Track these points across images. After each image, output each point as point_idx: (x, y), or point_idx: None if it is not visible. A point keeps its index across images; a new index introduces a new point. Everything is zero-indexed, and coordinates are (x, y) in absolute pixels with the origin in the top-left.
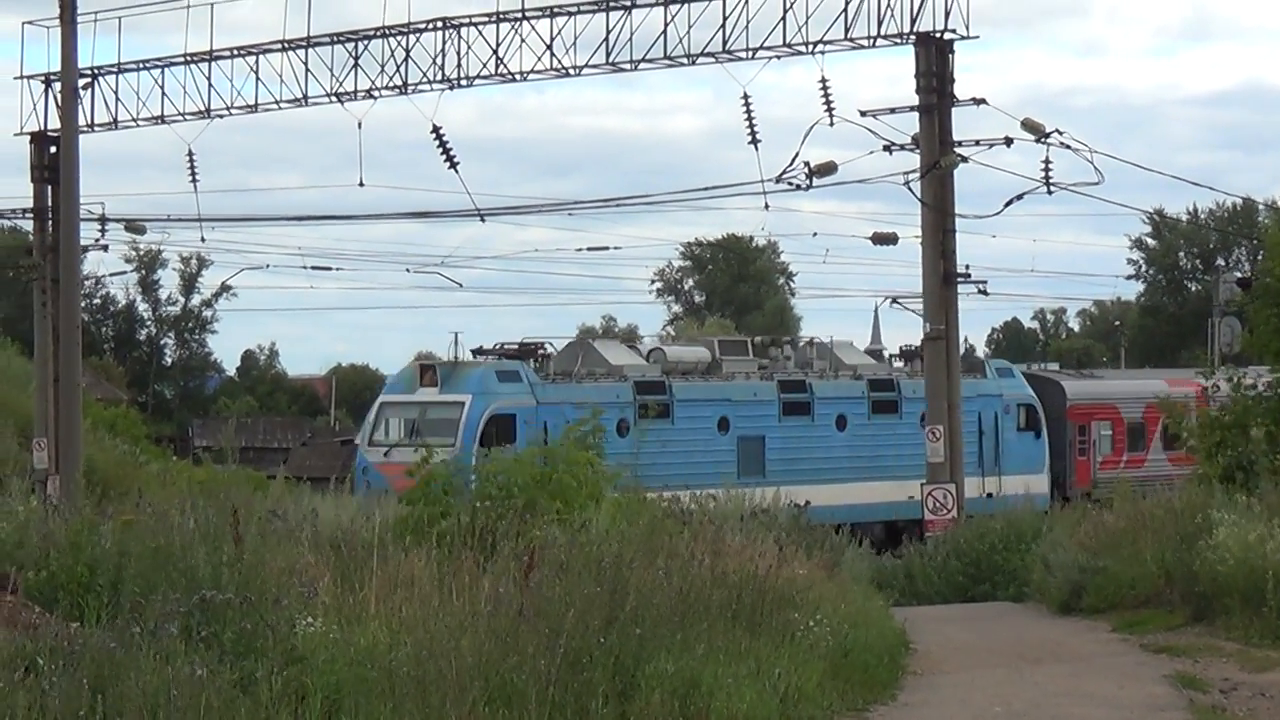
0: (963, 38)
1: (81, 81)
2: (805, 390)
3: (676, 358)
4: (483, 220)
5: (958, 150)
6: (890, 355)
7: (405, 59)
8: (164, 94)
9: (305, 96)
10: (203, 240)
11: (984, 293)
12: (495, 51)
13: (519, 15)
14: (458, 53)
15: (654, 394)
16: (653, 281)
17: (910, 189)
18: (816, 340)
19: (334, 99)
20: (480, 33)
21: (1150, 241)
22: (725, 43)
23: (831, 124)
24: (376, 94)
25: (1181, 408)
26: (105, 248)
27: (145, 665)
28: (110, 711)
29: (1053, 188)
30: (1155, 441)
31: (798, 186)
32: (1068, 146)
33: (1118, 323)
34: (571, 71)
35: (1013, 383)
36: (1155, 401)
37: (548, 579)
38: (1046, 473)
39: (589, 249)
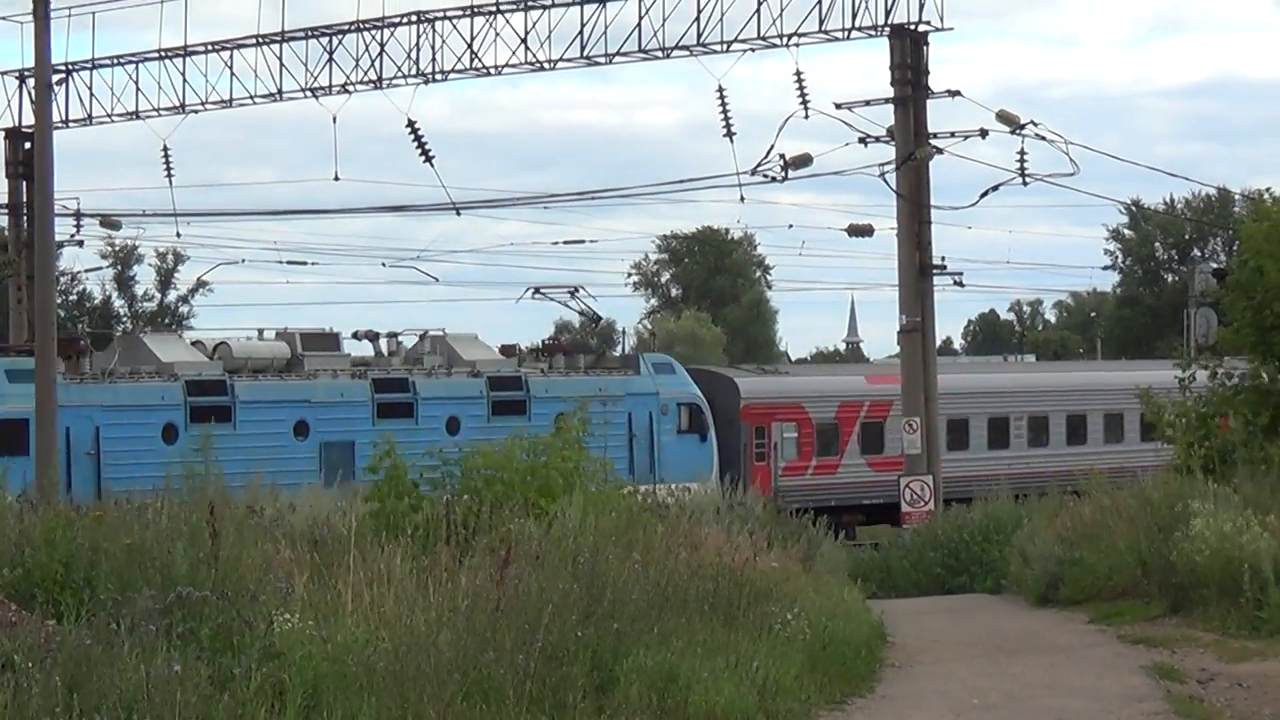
0: (937, 29)
1: (55, 77)
2: (407, 390)
3: (245, 354)
4: (458, 214)
5: (933, 142)
6: (526, 351)
7: (380, 53)
8: (138, 89)
9: (280, 91)
10: (178, 235)
11: (960, 284)
12: (470, 45)
13: (493, 9)
14: (432, 47)
15: (211, 395)
16: (629, 275)
17: (886, 181)
18: (432, 333)
19: (309, 94)
20: (455, 26)
21: (1127, 232)
22: (700, 36)
23: (806, 116)
24: (351, 89)
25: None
26: (80, 243)
27: (123, 663)
28: (87, 709)
29: (1028, 179)
30: (852, 445)
31: (773, 179)
32: (1043, 138)
33: (1094, 314)
34: (546, 65)
35: (673, 380)
36: (856, 400)
37: (524, 573)
38: (715, 480)
39: (565, 242)
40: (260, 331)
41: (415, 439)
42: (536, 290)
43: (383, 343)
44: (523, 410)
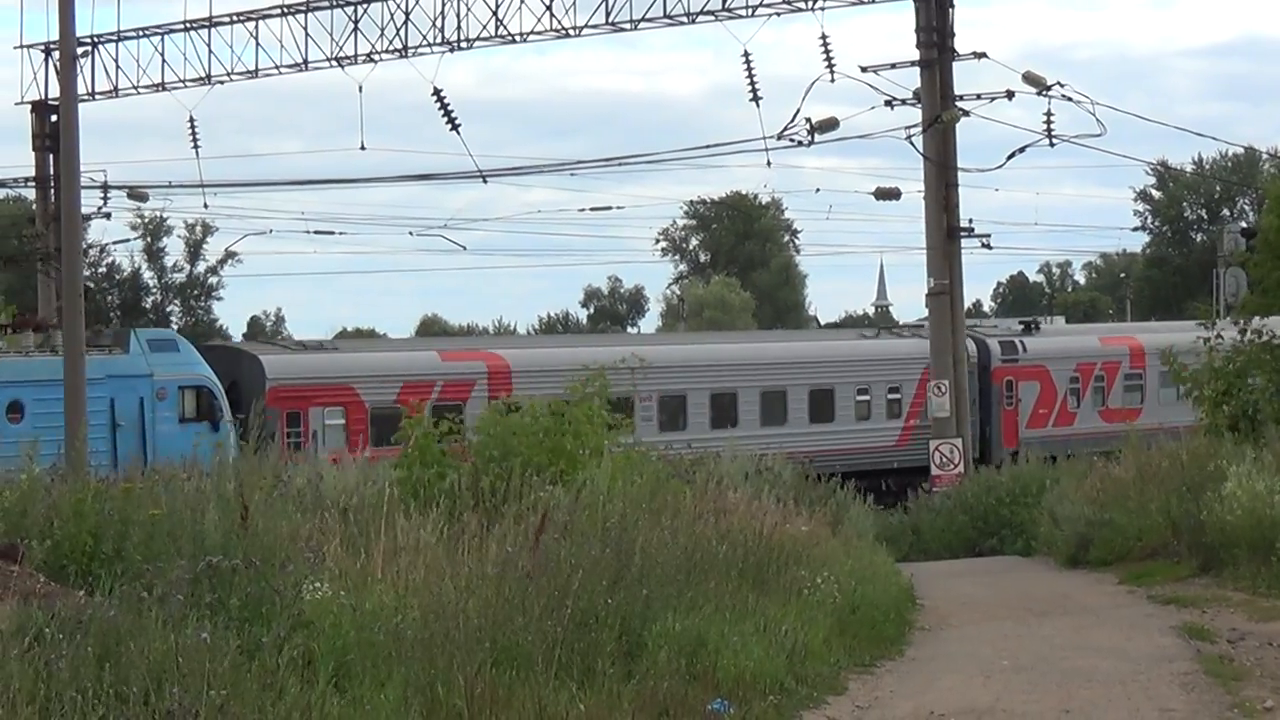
0: None
1: (81, 50)
2: None
3: None
4: (485, 182)
5: (959, 104)
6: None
7: (405, 22)
8: (164, 61)
9: (306, 61)
10: (205, 207)
11: (988, 246)
12: (495, 13)
13: None
14: (457, 15)
15: None
16: (657, 241)
17: (912, 144)
18: None
19: (334, 63)
20: None
21: (1155, 193)
22: (724, 1)
23: (833, 80)
24: (377, 57)
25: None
26: (108, 215)
27: (152, 633)
28: (117, 680)
29: (1055, 140)
30: None
31: (800, 143)
32: (1069, 99)
33: (1123, 275)
34: (572, 32)
35: (174, 360)
36: (427, 380)
37: (553, 540)
38: None
39: (592, 209)
40: None
41: None
42: None
43: None
44: None
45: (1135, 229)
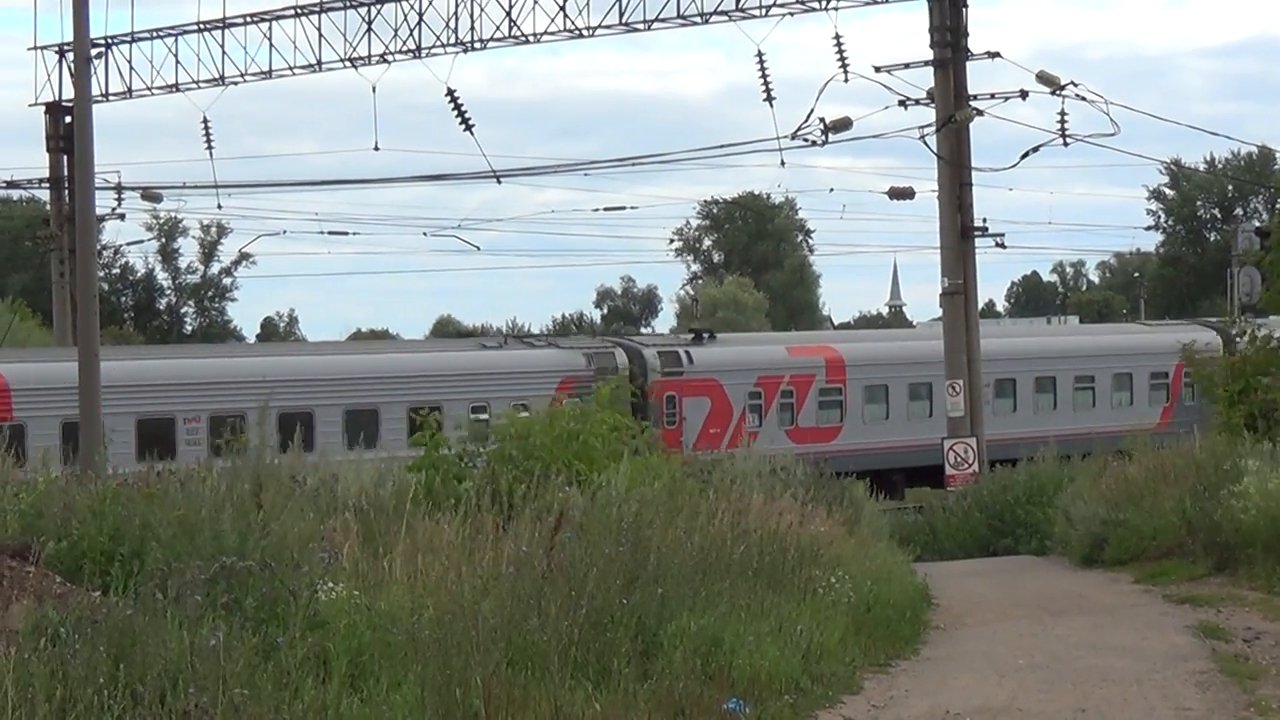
0: None
1: (95, 51)
2: None
3: None
4: (499, 182)
5: (973, 104)
6: None
7: (419, 23)
8: (178, 62)
9: (319, 62)
10: (219, 208)
11: (1002, 246)
12: (509, 13)
13: None
14: (471, 15)
15: None
16: (671, 241)
17: (926, 143)
18: None
19: (348, 64)
20: None
21: (1168, 192)
22: (738, 1)
23: (846, 80)
24: (390, 58)
25: (1204, 358)
26: (122, 216)
27: (168, 633)
28: (132, 680)
29: (1069, 139)
30: None
31: (813, 143)
32: (1083, 98)
33: (1137, 274)
34: (585, 32)
35: None
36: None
37: (569, 540)
38: None
39: (606, 209)
40: None
41: None
42: None
43: None
44: None
45: (1149, 228)
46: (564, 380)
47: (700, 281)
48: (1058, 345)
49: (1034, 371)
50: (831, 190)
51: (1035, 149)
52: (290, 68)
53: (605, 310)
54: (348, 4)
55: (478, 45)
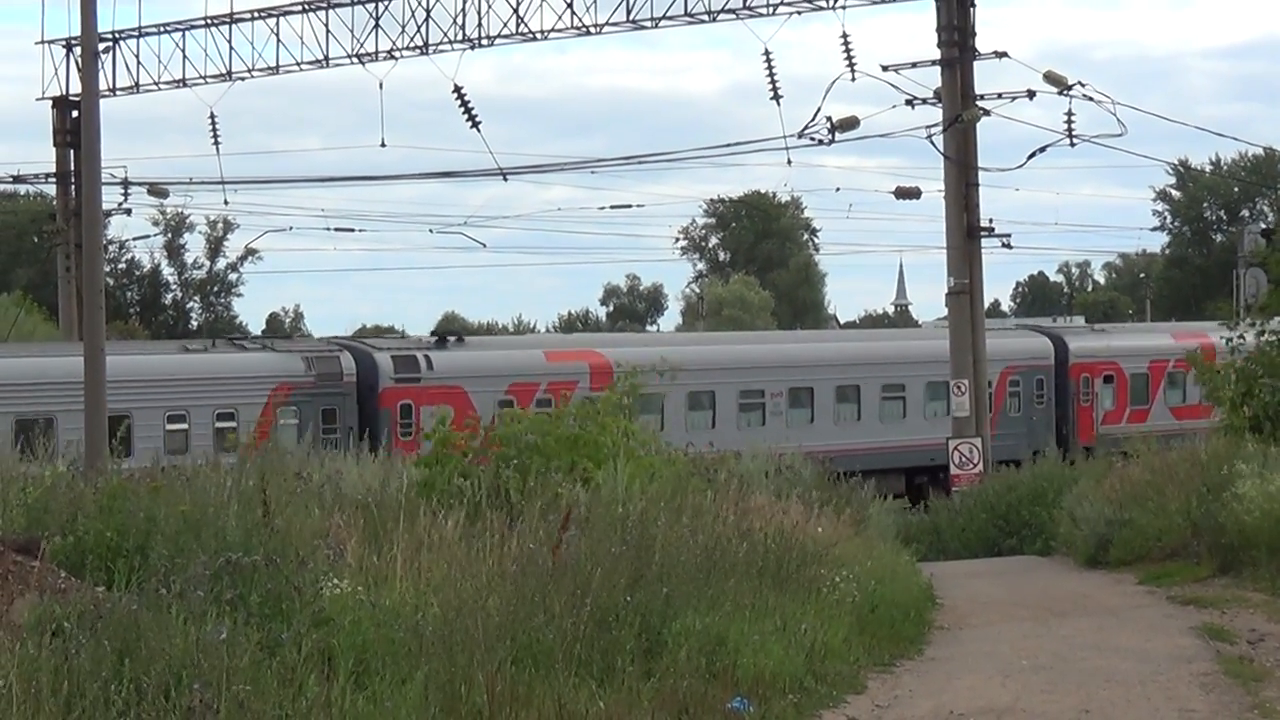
0: None
1: (102, 45)
2: None
3: None
4: (505, 179)
5: (980, 104)
6: None
7: (426, 19)
8: (185, 57)
9: (326, 58)
10: (226, 203)
11: (1008, 246)
12: (516, 10)
13: None
14: (478, 12)
15: None
16: (677, 239)
17: (933, 143)
18: None
19: (355, 60)
20: None
21: (1175, 193)
22: None
23: (853, 79)
24: (397, 54)
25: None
26: (129, 211)
27: (172, 629)
28: (137, 675)
29: (1075, 140)
30: None
31: (820, 142)
32: (1090, 99)
33: (1143, 275)
34: (592, 29)
35: None
36: None
37: (574, 538)
38: None
39: (612, 207)
40: None
41: None
42: None
43: None
44: None
45: (1155, 229)
46: (279, 386)
47: (706, 280)
48: (814, 353)
49: (789, 382)
50: (838, 189)
51: (1042, 149)
52: (297, 63)
53: (611, 308)
54: (355, 0)
55: (485, 42)
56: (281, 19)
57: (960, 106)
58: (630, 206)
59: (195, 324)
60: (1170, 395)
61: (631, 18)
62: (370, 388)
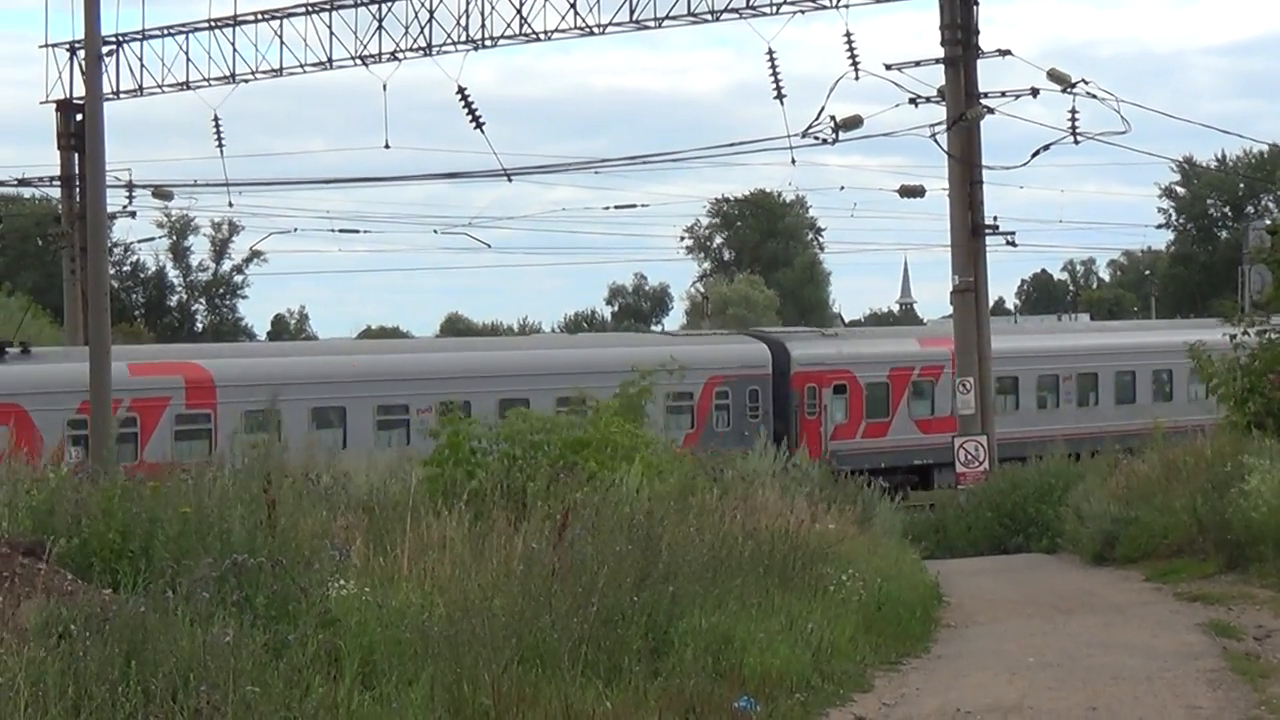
0: None
1: (106, 48)
2: None
3: None
4: (510, 180)
5: (983, 102)
6: None
7: (429, 20)
8: (189, 60)
9: (330, 60)
10: (230, 205)
11: (1012, 244)
12: (519, 11)
13: None
14: (482, 13)
15: None
16: (681, 239)
17: (937, 141)
18: None
19: (359, 61)
20: None
21: (1179, 190)
22: None
23: (856, 78)
24: (401, 56)
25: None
26: (133, 214)
27: (179, 631)
28: (144, 677)
29: (1079, 137)
30: None
31: (824, 141)
32: (1094, 96)
33: (1148, 272)
34: (596, 30)
35: None
36: None
37: (580, 537)
38: None
39: (616, 207)
40: None
41: None
42: None
43: None
44: None
45: (1159, 226)
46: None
47: (711, 279)
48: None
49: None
50: (842, 188)
51: (1046, 147)
52: (301, 65)
53: (616, 308)
54: (359, 1)
55: (488, 43)
56: (285, 21)
57: (964, 105)
58: (635, 206)
59: (200, 326)
60: (916, 407)
61: (635, 17)
62: None
